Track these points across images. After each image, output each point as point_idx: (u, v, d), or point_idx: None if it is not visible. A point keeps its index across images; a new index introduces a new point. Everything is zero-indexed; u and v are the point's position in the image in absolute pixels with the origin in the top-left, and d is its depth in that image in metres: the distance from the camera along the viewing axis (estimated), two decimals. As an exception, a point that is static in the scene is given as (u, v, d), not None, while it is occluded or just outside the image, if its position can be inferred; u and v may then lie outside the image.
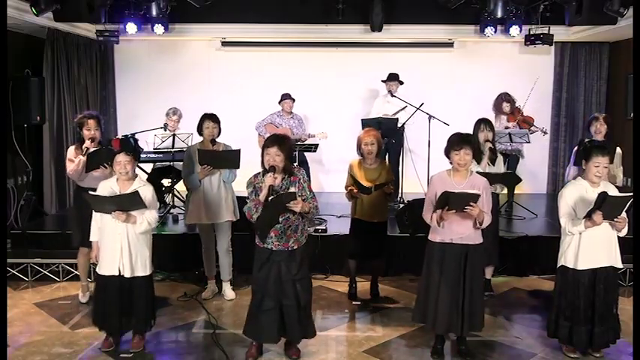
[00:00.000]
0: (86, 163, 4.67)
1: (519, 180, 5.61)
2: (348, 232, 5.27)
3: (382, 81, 7.70)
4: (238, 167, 5.05)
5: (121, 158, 4.01)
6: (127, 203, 3.93)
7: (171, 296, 5.34)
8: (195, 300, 5.23)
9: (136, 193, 3.91)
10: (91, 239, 4.22)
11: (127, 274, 4.02)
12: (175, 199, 6.96)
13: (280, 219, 3.82)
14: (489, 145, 5.03)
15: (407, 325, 4.60)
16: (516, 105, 7.41)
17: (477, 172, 4.14)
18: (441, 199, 3.80)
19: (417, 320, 4.19)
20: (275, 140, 3.82)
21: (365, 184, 4.85)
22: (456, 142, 3.91)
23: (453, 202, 3.78)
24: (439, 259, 3.98)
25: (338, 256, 5.70)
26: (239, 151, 5.00)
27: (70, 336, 4.47)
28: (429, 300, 4.02)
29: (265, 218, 3.77)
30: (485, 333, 4.38)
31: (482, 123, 5.11)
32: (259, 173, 3.91)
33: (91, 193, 4.04)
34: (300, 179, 3.89)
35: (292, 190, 3.79)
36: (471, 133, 4.88)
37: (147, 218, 4.01)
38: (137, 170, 4.36)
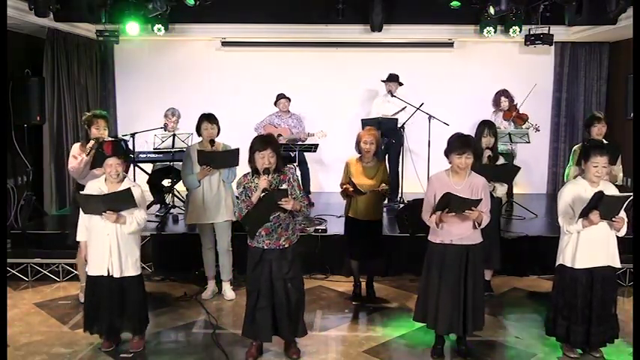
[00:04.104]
0: (93, 160, 4.62)
1: (517, 169, 5.22)
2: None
3: (382, 81, 7.70)
4: (237, 165, 5.04)
5: (112, 161, 3.99)
6: (118, 202, 3.92)
7: (171, 296, 5.34)
8: (195, 300, 5.24)
9: (127, 190, 3.90)
10: (78, 239, 4.20)
11: (116, 275, 4.01)
12: (175, 199, 6.96)
13: (270, 217, 3.83)
14: (488, 152, 4.99)
15: (407, 325, 4.60)
16: (514, 102, 7.47)
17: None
18: (442, 201, 3.80)
19: (418, 320, 4.18)
20: (267, 142, 3.84)
21: (361, 181, 4.86)
22: (458, 146, 3.89)
23: (453, 205, 3.79)
24: (439, 260, 3.98)
25: (338, 256, 5.68)
26: (237, 149, 5.00)
27: (70, 336, 4.48)
28: (429, 300, 4.03)
29: (256, 215, 3.77)
30: (485, 333, 4.38)
31: (486, 127, 5.02)
32: (249, 173, 3.92)
33: (81, 193, 4.01)
34: (289, 178, 3.91)
35: (283, 187, 3.80)
36: (472, 134, 4.84)
37: (136, 218, 4.00)
38: (133, 171, 4.34)
